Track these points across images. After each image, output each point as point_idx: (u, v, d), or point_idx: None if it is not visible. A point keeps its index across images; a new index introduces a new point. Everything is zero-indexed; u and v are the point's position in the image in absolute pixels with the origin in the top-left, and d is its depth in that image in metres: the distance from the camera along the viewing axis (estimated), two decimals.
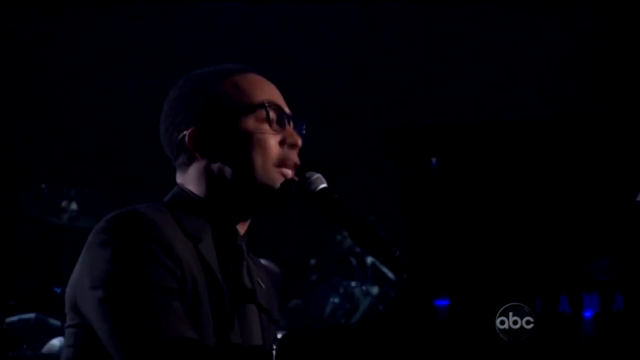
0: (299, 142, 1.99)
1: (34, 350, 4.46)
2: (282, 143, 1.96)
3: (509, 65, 6.29)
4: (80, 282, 1.80)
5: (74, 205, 5.10)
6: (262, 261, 2.22)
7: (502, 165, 1.71)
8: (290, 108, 2.08)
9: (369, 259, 6.04)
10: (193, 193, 1.96)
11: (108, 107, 6.33)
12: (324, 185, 1.96)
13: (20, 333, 4.55)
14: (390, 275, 5.92)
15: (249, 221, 2.02)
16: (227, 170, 1.94)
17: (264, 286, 2.08)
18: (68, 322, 1.86)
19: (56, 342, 4.47)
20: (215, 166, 1.95)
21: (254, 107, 1.96)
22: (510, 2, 6.14)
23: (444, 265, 1.66)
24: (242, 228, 2.00)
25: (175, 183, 2.02)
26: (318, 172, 2.01)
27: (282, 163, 1.95)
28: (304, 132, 2.04)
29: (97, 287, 1.75)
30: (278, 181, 1.94)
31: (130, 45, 6.32)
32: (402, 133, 1.75)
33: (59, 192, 5.12)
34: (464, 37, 6.39)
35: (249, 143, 1.93)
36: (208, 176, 1.95)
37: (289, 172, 1.96)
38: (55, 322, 4.83)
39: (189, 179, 1.98)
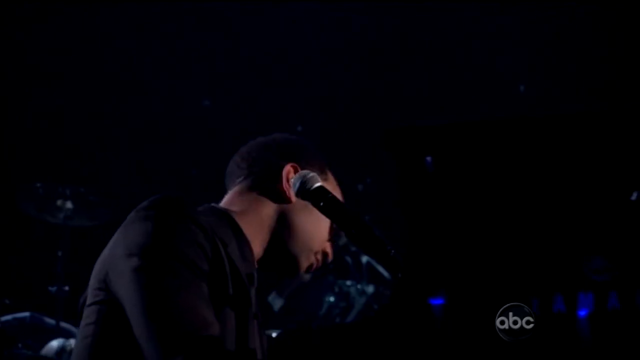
0: (331, 256, 2.13)
1: (29, 350, 4.45)
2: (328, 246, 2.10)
3: (507, 64, 6.30)
4: (114, 252, 1.81)
5: (69, 204, 5.09)
6: None
7: (498, 164, 1.71)
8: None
9: (365, 258, 6.05)
10: (229, 211, 2.01)
11: (105, 105, 6.33)
12: (319, 183, 1.97)
13: (15, 332, 4.54)
14: (386, 274, 5.92)
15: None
16: (288, 216, 2.04)
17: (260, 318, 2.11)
18: (91, 299, 1.85)
19: (55, 343, 4.46)
20: (283, 203, 2.04)
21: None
22: (510, 2, 6.16)
23: (439, 264, 1.66)
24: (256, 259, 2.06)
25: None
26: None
27: (319, 252, 2.09)
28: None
29: (132, 254, 1.75)
30: (307, 262, 2.08)
31: (128, 45, 6.32)
32: (398, 133, 1.75)
33: (55, 191, 5.11)
34: (463, 36, 6.40)
35: (320, 218, 2.00)
36: (269, 204, 2.04)
37: (317, 263, 2.10)
38: (50, 321, 4.82)
39: (244, 199, 2.05)
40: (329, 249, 2.11)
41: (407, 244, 1.70)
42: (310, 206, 1.98)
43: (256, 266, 2.03)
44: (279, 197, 2.04)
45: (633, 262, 1.59)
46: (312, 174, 1.98)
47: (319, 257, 2.10)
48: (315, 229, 2.06)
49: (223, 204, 2.08)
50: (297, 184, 1.97)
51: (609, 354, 1.57)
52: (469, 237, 1.66)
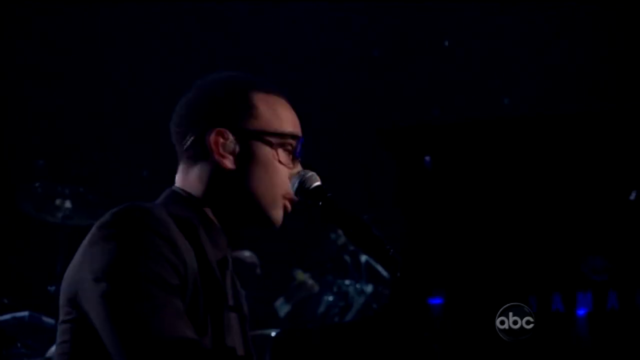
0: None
1: (28, 349, 4.45)
2: (289, 177, 1.99)
3: (505, 64, 6.30)
4: (81, 275, 1.78)
5: (68, 204, 5.09)
6: (244, 252, 2.24)
7: (497, 163, 1.71)
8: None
9: (363, 258, 6.05)
10: (189, 194, 1.96)
11: (103, 104, 6.32)
12: (318, 183, 1.96)
13: (13, 331, 4.54)
14: (385, 273, 5.92)
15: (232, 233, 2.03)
16: (238, 183, 1.94)
17: (243, 303, 2.08)
18: (63, 317, 1.83)
19: None
20: (226, 173, 1.94)
21: (283, 136, 1.98)
22: (510, 2, 6.16)
23: (438, 263, 1.66)
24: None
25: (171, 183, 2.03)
26: (312, 170, 2.01)
27: (286, 195, 1.98)
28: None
29: (99, 279, 1.72)
30: (280, 211, 1.97)
31: (128, 45, 6.31)
32: (397, 132, 1.74)
33: (53, 191, 5.11)
34: (463, 36, 6.41)
35: (268, 167, 1.94)
36: (214, 179, 1.95)
37: (289, 206, 1.99)
38: (48, 320, 4.82)
39: (191, 178, 1.98)
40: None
41: (406, 243, 1.70)
42: (252, 159, 1.93)
43: (228, 247, 1.98)
44: (219, 169, 1.95)
45: (632, 262, 1.59)
46: (310, 173, 1.97)
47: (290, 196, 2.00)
48: (272, 175, 1.96)
49: (180, 184, 2.00)
50: (296, 184, 1.97)
51: (607, 354, 1.57)
52: (468, 236, 1.66)
